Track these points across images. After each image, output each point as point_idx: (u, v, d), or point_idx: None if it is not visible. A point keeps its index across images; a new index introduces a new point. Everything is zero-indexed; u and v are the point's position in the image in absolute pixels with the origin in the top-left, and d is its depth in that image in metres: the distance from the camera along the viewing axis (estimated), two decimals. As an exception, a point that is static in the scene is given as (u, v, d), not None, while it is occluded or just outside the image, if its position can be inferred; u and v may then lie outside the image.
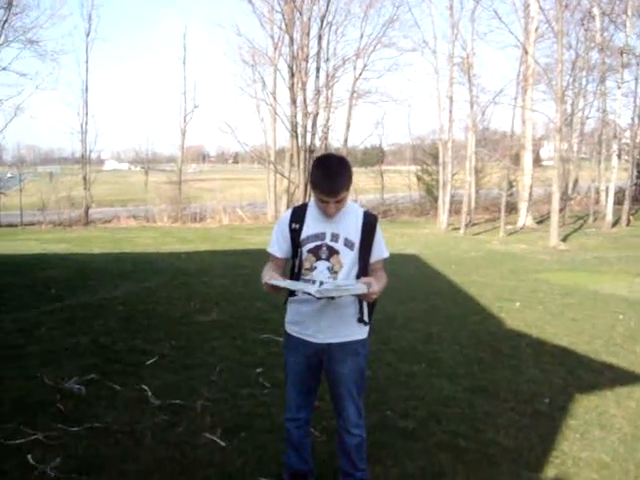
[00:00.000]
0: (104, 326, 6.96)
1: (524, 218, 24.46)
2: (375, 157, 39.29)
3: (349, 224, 3.03)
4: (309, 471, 3.34)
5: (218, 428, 4.19)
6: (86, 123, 29.40)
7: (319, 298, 2.90)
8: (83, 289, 8.27)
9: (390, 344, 6.40)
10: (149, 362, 5.65)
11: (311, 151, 26.07)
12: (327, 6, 25.75)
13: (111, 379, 5.13)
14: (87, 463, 3.66)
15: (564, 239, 19.34)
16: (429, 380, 5.37)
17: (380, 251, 3.12)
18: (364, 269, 3.06)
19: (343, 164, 3.01)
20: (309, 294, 2.87)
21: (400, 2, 26.76)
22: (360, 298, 3.02)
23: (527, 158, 24.70)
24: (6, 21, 25.85)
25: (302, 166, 24.52)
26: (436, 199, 26.52)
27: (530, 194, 24.70)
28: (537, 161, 33.33)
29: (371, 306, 3.17)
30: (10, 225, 25.29)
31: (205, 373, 5.40)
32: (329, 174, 2.92)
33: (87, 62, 29.72)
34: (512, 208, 25.84)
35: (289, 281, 3.04)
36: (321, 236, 3.03)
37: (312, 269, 3.05)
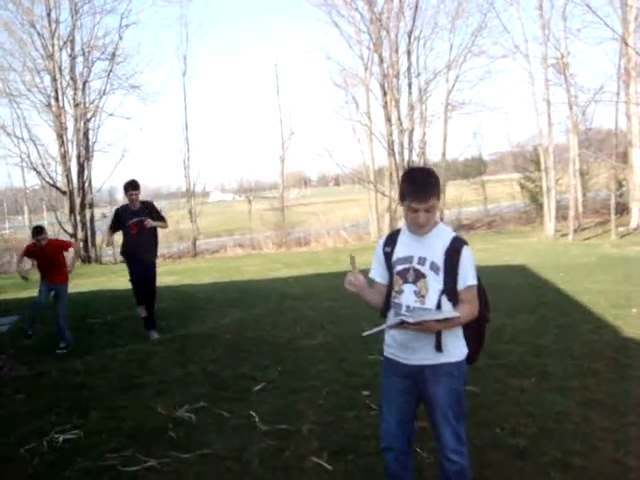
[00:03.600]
0: (213, 354, 7.17)
1: (637, 218, 23.27)
2: (476, 168, 38.65)
3: (436, 248, 3.00)
4: None
5: (325, 452, 4.22)
6: (188, 158, 30.67)
7: (413, 323, 2.87)
8: (192, 319, 8.57)
9: (498, 359, 6.22)
10: (257, 388, 5.77)
11: (410, 168, 25.93)
12: (413, 21, 25.75)
13: (220, 406, 5.28)
14: (198, 490, 3.78)
15: (684, 238, 18.28)
16: (540, 395, 5.19)
17: (465, 278, 2.99)
18: (451, 296, 3.00)
19: (430, 172, 3.05)
20: (405, 323, 2.87)
21: (487, 9, 26.29)
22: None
23: (636, 155, 23.51)
24: (111, 71, 27.45)
25: (399, 179, 24.38)
26: (541, 206, 25.69)
27: (642, 193, 23.52)
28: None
29: (476, 338, 3.15)
30: (124, 261, 26.48)
31: (311, 397, 5.45)
32: (417, 181, 2.96)
33: (185, 100, 31.10)
34: (623, 209, 24.64)
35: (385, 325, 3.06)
36: (409, 259, 3.04)
37: (400, 292, 3.05)
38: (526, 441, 4.24)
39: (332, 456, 4.16)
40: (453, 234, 3.07)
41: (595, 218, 26.14)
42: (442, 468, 3.10)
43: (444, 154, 28.15)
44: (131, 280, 8.61)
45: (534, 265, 14.18)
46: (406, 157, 26.10)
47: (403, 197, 2.98)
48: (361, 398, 5.30)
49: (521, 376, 5.72)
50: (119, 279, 17.83)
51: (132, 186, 8.24)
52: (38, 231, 8.19)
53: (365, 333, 3.00)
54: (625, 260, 14.74)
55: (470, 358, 3.15)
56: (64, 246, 8.68)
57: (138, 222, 8.18)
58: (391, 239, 3.17)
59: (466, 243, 3.05)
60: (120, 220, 8.38)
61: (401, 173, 23.13)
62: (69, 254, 8.58)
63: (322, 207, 33.67)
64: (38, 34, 25.67)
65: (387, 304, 3.14)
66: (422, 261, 3.00)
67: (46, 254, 8.10)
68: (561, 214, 24.50)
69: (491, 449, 4.10)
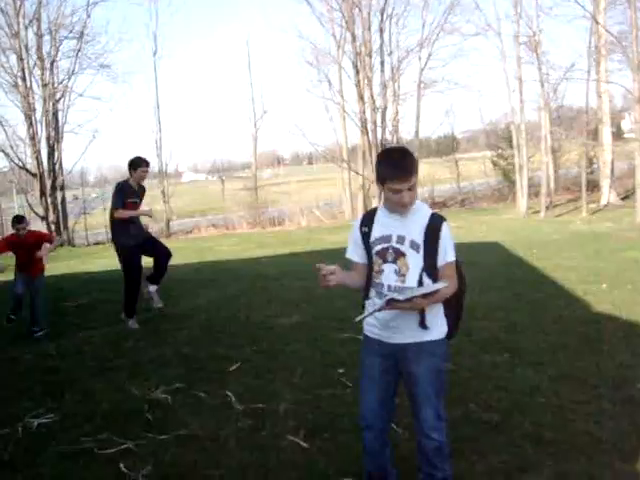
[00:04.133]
0: (187, 336, 7.16)
1: (607, 195, 23.58)
2: (449, 146, 38.75)
3: (415, 226, 2.98)
4: (388, 476, 3.30)
5: (301, 430, 4.25)
6: (160, 139, 30.31)
7: (402, 301, 2.83)
8: (166, 300, 8.49)
9: (472, 335, 6.29)
10: (232, 368, 5.79)
11: (383, 146, 25.95)
12: (385, -2, 25.59)
13: (195, 387, 5.30)
14: (175, 470, 3.80)
15: (652, 214, 18.54)
16: (512, 370, 5.27)
17: (445, 255, 2.99)
18: (432, 273, 2.99)
19: (406, 151, 3.03)
20: (393, 301, 2.85)
21: (460, -14, 26.24)
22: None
23: (606, 133, 23.80)
24: (79, 50, 26.95)
25: (375, 162, 24.40)
26: (514, 183, 25.90)
27: (612, 170, 23.81)
28: (618, 135, 32.15)
29: (455, 312, 3.17)
30: (97, 243, 26.23)
31: (287, 376, 5.48)
32: (396, 162, 2.92)
33: (156, 80, 30.68)
34: (594, 186, 24.92)
35: (368, 310, 3.04)
36: (387, 238, 3.02)
37: (380, 272, 3.05)
38: (499, 416, 4.30)
39: (308, 434, 4.18)
40: (431, 211, 3.06)
41: (566, 195, 26.48)
42: (421, 445, 3.10)
43: (417, 132, 28.14)
44: (131, 271, 7.78)
45: (507, 242, 14.32)
46: (379, 135, 26.08)
47: (383, 179, 2.94)
48: (336, 376, 5.34)
49: (494, 352, 5.80)
50: (93, 261, 17.73)
51: (147, 163, 7.68)
52: (18, 220, 7.69)
53: (357, 319, 2.96)
54: (596, 236, 14.94)
55: (450, 333, 3.17)
56: (44, 237, 8.27)
57: (135, 206, 7.63)
58: (368, 218, 3.14)
59: (445, 219, 3.04)
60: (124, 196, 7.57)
61: (374, 152, 23.22)
62: (46, 245, 7.97)
63: (295, 186, 33.67)
64: (2, 11, 25.03)
65: (368, 284, 3.13)
66: (401, 240, 2.99)
67: (25, 245, 7.62)
68: (533, 191, 24.73)
69: (465, 424, 4.15)
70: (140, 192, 7.76)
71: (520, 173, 24.22)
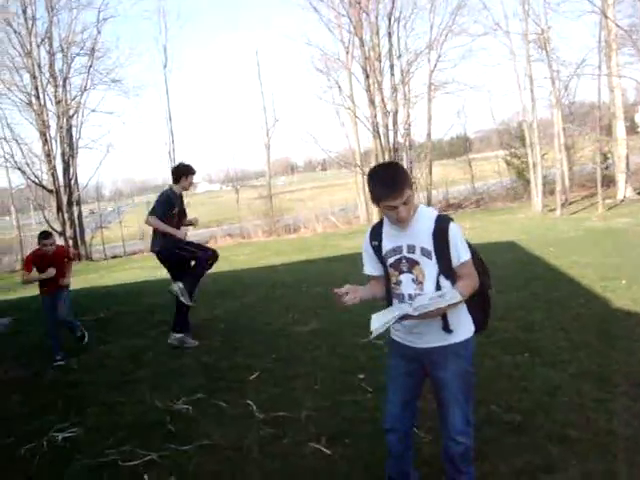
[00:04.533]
0: (207, 345, 7.21)
1: (623, 190, 23.36)
2: (461, 147, 38.58)
3: (423, 232, 2.98)
4: (410, 479, 3.30)
5: (323, 437, 4.26)
6: (173, 150, 30.52)
7: (417, 316, 2.86)
8: (185, 312, 8.54)
9: (491, 336, 6.25)
10: (252, 377, 5.82)
11: (395, 149, 25.95)
12: (393, 2, 25.58)
13: (217, 397, 5.34)
14: (199, 480, 3.82)
15: (670, 207, 18.38)
16: (533, 370, 5.25)
17: (457, 255, 2.97)
18: (449, 274, 2.99)
19: (394, 166, 3.08)
20: (408, 316, 2.87)
21: (466, -14, 26.19)
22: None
23: (620, 127, 23.59)
24: (91, 66, 27.22)
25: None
26: (528, 182, 25.72)
27: (627, 164, 23.59)
28: (632, 128, 31.90)
29: (481, 307, 3.18)
30: (115, 256, 26.44)
31: (307, 383, 5.50)
32: (385, 179, 2.91)
33: (167, 92, 30.90)
34: (610, 181, 24.70)
35: (383, 319, 2.95)
36: (398, 250, 3.03)
37: (398, 283, 3.06)
38: (521, 416, 4.29)
39: (330, 441, 4.20)
40: (436, 214, 3.04)
41: (582, 192, 26.24)
42: (447, 450, 3.09)
43: (429, 134, 28.07)
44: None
45: (523, 241, 14.24)
46: (391, 139, 26.05)
47: (377, 199, 2.93)
48: (356, 382, 5.34)
49: (514, 352, 5.78)
50: (111, 275, 17.84)
51: (193, 171, 7.36)
52: (45, 236, 7.32)
53: (371, 337, 2.95)
54: (612, 232, 14.82)
55: (479, 327, 3.17)
56: (68, 253, 7.98)
57: (181, 214, 7.36)
58: (376, 232, 3.15)
59: (451, 220, 3.02)
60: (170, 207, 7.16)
61: (387, 155, 23.14)
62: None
63: (310, 193, 33.72)
64: (15, 32, 25.36)
65: (389, 296, 3.14)
66: (411, 249, 2.99)
67: (55, 262, 7.24)
68: (548, 189, 24.55)
69: (487, 425, 4.13)
70: (180, 198, 7.46)
71: (534, 171, 24.06)
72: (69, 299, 7.69)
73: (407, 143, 26.68)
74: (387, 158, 24.76)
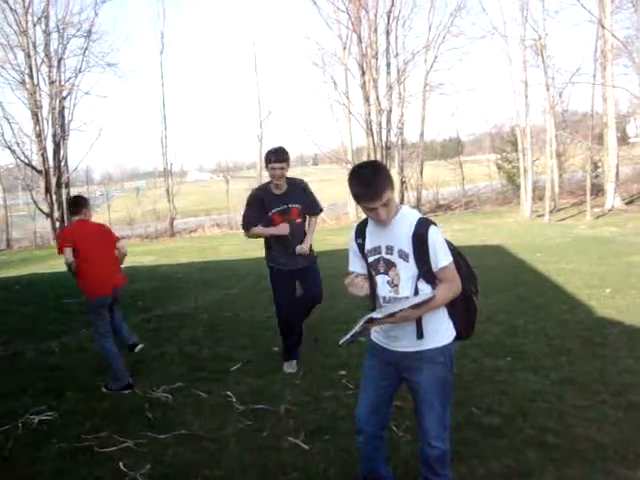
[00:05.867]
0: (190, 335, 7.18)
1: (612, 200, 23.50)
2: (453, 149, 38.64)
3: (402, 234, 2.91)
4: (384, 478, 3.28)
5: (301, 431, 4.25)
6: (165, 137, 30.34)
7: (382, 318, 2.81)
8: (169, 299, 8.53)
9: (474, 339, 6.17)
10: (233, 368, 5.80)
11: (387, 148, 25.95)
12: (392, 0, 25.57)
13: (197, 386, 5.31)
14: (174, 469, 3.80)
15: (657, 219, 18.49)
16: (514, 374, 5.25)
17: (436, 260, 2.89)
18: (429, 278, 2.93)
19: (376, 166, 2.96)
20: (377, 319, 2.82)
21: (466, -12, 26.26)
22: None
23: (611, 137, 23.71)
24: (86, 48, 27.05)
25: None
26: (518, 187, 25.84)
27: (617, 174, 23.72)
28: (624, 139, 32.05)
29: (465, 313, 3.12)
30: (102, 241, 26.31)
31: (288, 377, 5.49)
32: (366, 179, 2.84)
33: (162, 78, 30.75)
34: (599, 190, 24.87)
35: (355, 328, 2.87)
36: (377, 250, 3.00)
37: (376, 284, 3.03)
38: (501, 419, 4.29)
39: (309, 436, 4.18)
40: (418, 217, 2.96)
41: (571, 199, 26.36)
42: (423, 453, 3.06)
43: (422, 134, 28.11)
44: (279, 305, 5.91)
45: (510, 245, 14.29)
46: (384, 137, 26.07)
47: (356, 199, 2.90)
48: (338, 378, 5.33)
49: (496, 356, 5.79)
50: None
51: (276, 155, 5.42)
52: (80, 202, 5.75)
53: (340, 342, 2.88)
54: (599, 241, 14.89)
55: (462, 334, 3.11)
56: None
57: (284, 213, 5.58)
58: (360, 230, 3.10)
59: (433, 223, 2.95)
60: (262, 208, 5.59)
61: (380, 153, 23.13)
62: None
63: (300, 187, 33.60)
64: (11, 9, 25.13)
65: (373, 295, 3.09)
66: (390, 250, 2.95)
67: (96, 237, 5.66)
68: (538, 195, 24.66)
69: (466, 428, 4.14)
70: (289, 193, 5.62)
71: (525, 176, 24.16)
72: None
73: (399, 142, 26.69)
74: (379, 156, 24.77)
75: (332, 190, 34.23)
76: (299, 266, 5.67)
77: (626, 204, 23.74)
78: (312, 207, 5.83)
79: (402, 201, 25.86)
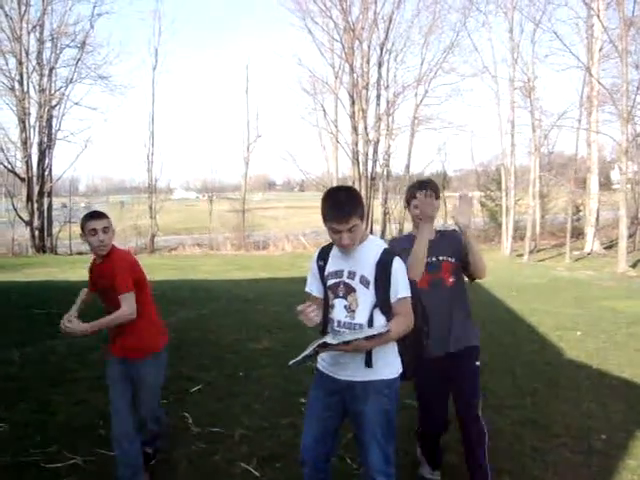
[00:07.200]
0: (154, 353, 7.04)
1: (591, 243, 23.72)
2: (439, 184, 38.83)
3: (366, 261, 2.91)
4: None
5: (254, 458, 4.16)
6: (152, 154, 30.33)
7: (335, 345, 2.75)
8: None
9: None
10: (193, 390, 5.68)
11: (372, 178, 26.08)
12: (386, 34, 25.92)
13: (154, 406, 5.17)
14: (120, 490, 3.68)
15: (634, 265, 18.66)
16: (476, 412, 5.19)
17: (396, 291, 2.88)
18: (385, 309, 2.90)
19: (350, 192, 2.95)
20: (329, 345, 2.76)
21: (460, 28, 26.73)
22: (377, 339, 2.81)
23: (593, 181, 24.01)
24: (79, 59, 27.08)
25: (364, 193, 24.47)
26: (500, 225, 26.06)
27: (597, 219, 23.98)
28: (607, 184, 32.44)
29: (412, 353, 3.06)
30: (80, 253, 26.05)
31: (248, 401, 5.39)
32: (337, 202, 2.85)
33: (153, 94, 30.82)
34: (579, 233, 25.13)
35: (307, 350, 2.81)
36: (339, 273, 2.97)
37: (332, 307, 2.99)
38: (458, 458, 4.22)
39: (261, 462, 4.09)
40: (384, 246, 2.98)
41: (551, 240, 26.60)
42: None
43: (408, 167, 28.32)
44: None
45: (487, 283, 14.28)
46: (370, 168, 26.22)
47: (324, 219, 2.89)
48: (297, 405, 5.23)
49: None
50: (74, 270, 17.53)
51: (425, 188, 3.59)
52: (97, 215, 3.83)
53: (290, 362, 2.81)
54: (576, 283, 14.98)
55: (406, 374, 3.06)
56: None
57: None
58: (325, 252, 3.08)
59: (398, 254, 2.96)
60: None
61: (364, 183, 23.26)
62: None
63: (284, 212, 33.66)
64: (6, 15, 25.19)
65: (325, 319, 3.04)
66: (352, 275, 2.93)
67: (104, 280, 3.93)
68: (519, 234, 24.86)
69: (417, 467, 4.06)
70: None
71: (507, 215, 24.36)
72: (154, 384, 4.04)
73: (385, 173, 26.84)
74: (364, 186, 24.88)
75: (316, 216, 34.29)
76: None
77: (605, 249, 23.97)
78: None
79: (384, 232, 25.92)
